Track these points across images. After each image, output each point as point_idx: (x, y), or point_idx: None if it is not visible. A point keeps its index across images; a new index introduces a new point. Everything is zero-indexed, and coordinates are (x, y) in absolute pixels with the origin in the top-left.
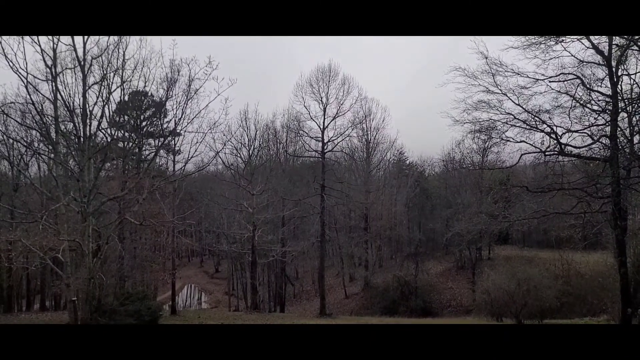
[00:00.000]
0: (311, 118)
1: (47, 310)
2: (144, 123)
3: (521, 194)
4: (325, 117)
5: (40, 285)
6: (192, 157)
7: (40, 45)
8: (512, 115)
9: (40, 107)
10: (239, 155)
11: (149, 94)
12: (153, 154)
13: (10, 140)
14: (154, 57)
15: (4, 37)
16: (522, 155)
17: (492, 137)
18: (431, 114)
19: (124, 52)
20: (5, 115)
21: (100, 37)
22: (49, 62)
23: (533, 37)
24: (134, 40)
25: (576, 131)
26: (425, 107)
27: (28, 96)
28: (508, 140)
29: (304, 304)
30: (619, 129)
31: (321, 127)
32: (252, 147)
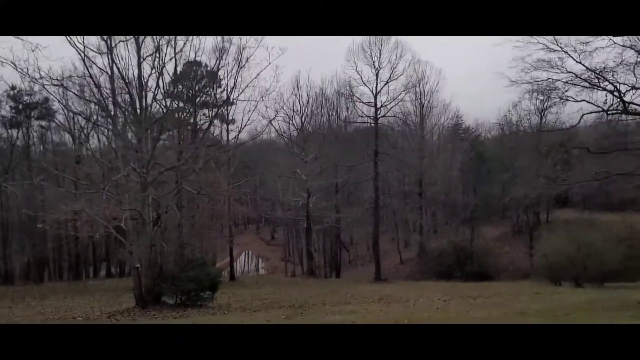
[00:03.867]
0: (363, 83)
1: (112, 276)
2: (198, 93)
3: (582, 155)
4: (378, 81)
5: (105, 253)
6: (245, 125)
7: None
8: (573, 73)
9: (98, 80)
10: (291, 122)
11: (203, 64)
12: (207, 123)
13: (71, 114)
14: None
15: None
16: (582, 115)
17: (551, 97)
18: (487, 75)
19: None
20: (65, 89)
21: None
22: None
23: None
24: None
25: None
26: (480, 68)
27: (85, 69)
28: (568, 100)
29: (359, 270)
30: None
31: (374, 92)
32: (305, 114)
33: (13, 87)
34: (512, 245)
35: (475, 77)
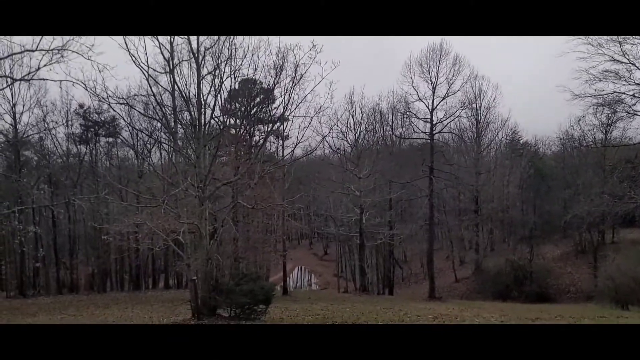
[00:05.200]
0: (419, 99)
1: (170, 288)
2: (253, 110)
3: None
4: (435, 97)
5: (164, 265)
6: (299, 141)
7: (158, 40)
8: None
9: (160, 99)
10: (345, 138)
11: (258, 82)
12: (263, 139)
13: (135, 131)
14: (262, 45)
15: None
16: None
17: (618, 111)
18: (547, 89)
19: (233, 42)
20: (130, 108)
21: None
22: (167, 55)
23: None
24: None
25: None
26: (540, 82)
27: (149, 88)
28: (636, 114)
29: (412, 287)
30: None
31: (430, 108)
32: (359, 130)
33: (81, 106)
34: (574, 265)
35: (535, 91)
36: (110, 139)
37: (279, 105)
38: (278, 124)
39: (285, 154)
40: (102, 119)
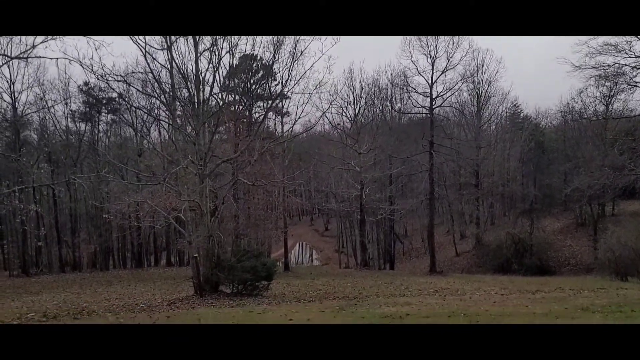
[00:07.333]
0: (419, 73)
1: (172, 265)
2: (253, 86)
3: None
4: (434, 71)
5: (166, 243)
6: (299, 118)
7: None
8: None
9: (158, 76)
10: (345, 114)
11: (258, 58)
12: (262, 116)
13: (134, 108)
14: None
15: None
16: None
17: (619, 84)
18: (548, 62)
19: None
20: (128, 85)
21: None
22: None
23: None
24: None
25: None
26: (542, 54)
27: (147, 65)
28: (637, 86)
29: (413, 262)
30: None
31: (429, 82)
32: (358, 105)
33: (86, 84)
34: (574, 238)
35: (536, 63)
36: (111, 117)
37: (278, 82)
38: (278, 100)
39: (285, 130)
40: (107, 96)
